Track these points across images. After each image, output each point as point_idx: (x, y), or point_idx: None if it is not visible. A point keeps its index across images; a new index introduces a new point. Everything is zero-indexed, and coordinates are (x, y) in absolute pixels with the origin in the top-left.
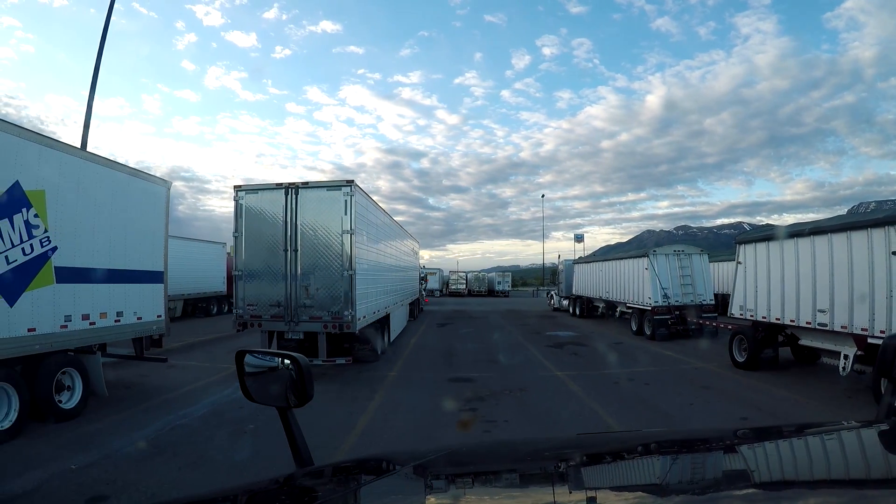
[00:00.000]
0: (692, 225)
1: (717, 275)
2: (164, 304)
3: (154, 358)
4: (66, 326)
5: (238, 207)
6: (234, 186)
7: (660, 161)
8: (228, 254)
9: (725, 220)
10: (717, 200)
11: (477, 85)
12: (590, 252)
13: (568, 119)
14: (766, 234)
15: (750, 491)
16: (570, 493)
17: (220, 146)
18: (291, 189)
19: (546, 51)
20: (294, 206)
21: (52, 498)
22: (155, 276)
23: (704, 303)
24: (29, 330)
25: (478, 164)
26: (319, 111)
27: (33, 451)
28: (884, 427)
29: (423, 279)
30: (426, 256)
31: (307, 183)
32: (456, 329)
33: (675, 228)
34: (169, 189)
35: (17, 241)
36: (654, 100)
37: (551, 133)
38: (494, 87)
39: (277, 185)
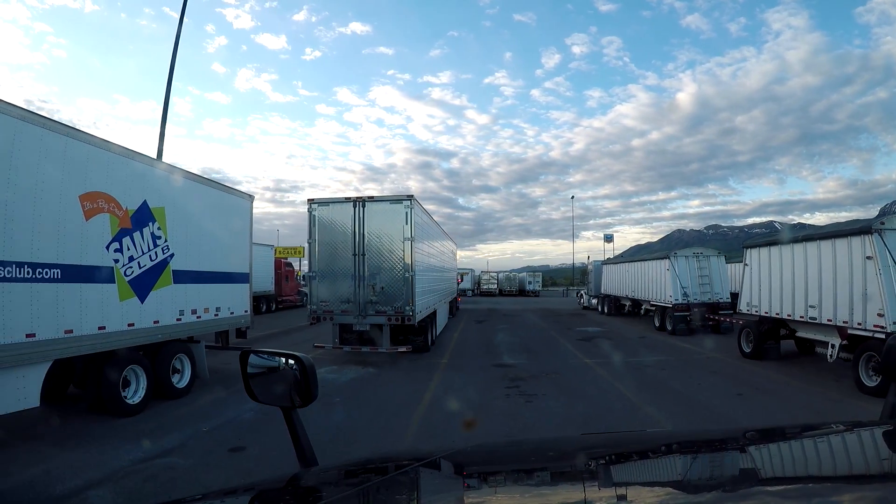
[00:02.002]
0: (723, 224)
1: (740, 274)
2: (250, 301)
3: (238, 347)
4: (180, 319)
5: (311, 218)
6: (308, 200)
7: (690, 159)
8: (289, 262)
9: (757, 220)
10: (749, 199)
11: (507, 84)
12: (619, 252)
13: (598, 118)
14: (768, 240)
15: (757, 490)
16: (575, 492)
17: (251, 147)
18: (359, 202)
19: (576, 49)
20: (361, 216)
21: (199, 449)
22: (242, 277)
23: (721, 301)
24: (154, 322)
25: (508, 164)
26: (349, 112)
27: (164, 420)
28: (888, 427)
29: (459, 279)
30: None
31: (372, 197)
32: (493, 325)
33: (705, 228)
34: (252, 202)
35: (146, 250)
36: (684, 97)
37: (581, 132)
38: (524, 86)
39: (346, 198)
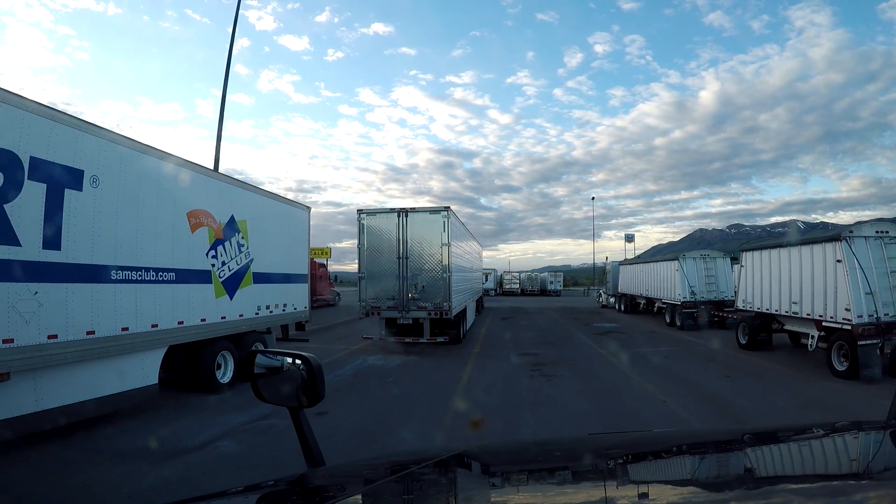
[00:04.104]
0: (745, 223)
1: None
2: (308, 298)
3: (297, 339)
4: (257, 313)
5: (360, 226)
6: (358, 210)
7: (713, 158)
8: (323, 263)
9: (780, 218)
10: (772, 198)
11: (529, 84)
12: (641, 252)
13: (621, 116)
14: (761, 245)
15: (765, 490)
16: (581, 492)
17: (274, 148)
18: (402, 213)
19: (598, 48)
20: (404, 225)
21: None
22: (303, 278)
23: (726, 298)
24: (239, 315)
25: (530, 164)
26: (372, 113)
27: (250, 395)
28: (895, 428)
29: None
30: None
31: (414, 208)
32: (517, 321)
33: (727, 227)
34: (309, 213)
35: (233, 255)
36: (707, 96)
37: (604, 131)
38: (547, 85)
39: (391, 209)
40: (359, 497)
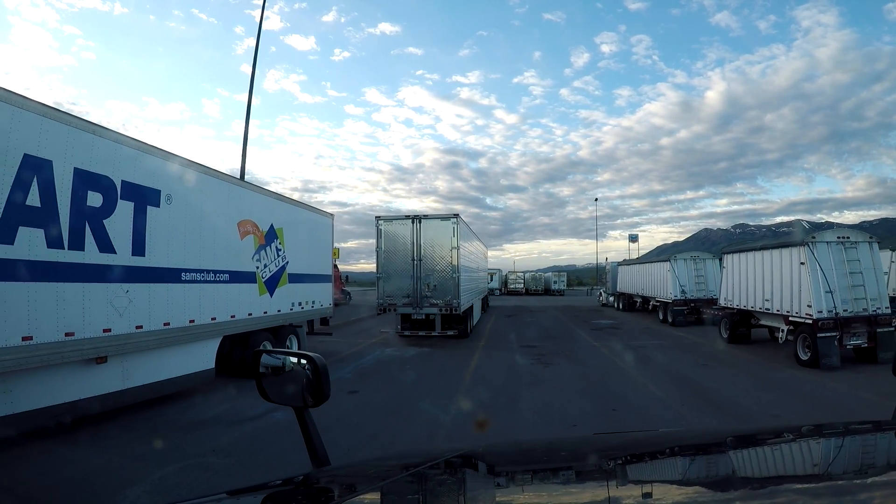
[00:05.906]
0: (750, 223)
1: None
2: (331, 296)
3: (322, 332)
4: (292, 309)
5: (378, 231)
6: (376, 217)
7: (719, 158)
8: (335, 263)
9: (785, 218)
10: (777, 198)
11: (536, 84)
12: (645, 251)
13: (627, 116)
14: (739, 248)
15: (770, 490)
16: (586, 492)
17: (280, 148)
18: (416, 219)
19: (605, 48)
20: (418, 230)
21: None
22: (327, 278)
23: (714, 297)
24: (278, 311)
25: (536, 164)
26: (378, 112)
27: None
28: None
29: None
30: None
31: (427, 215)
32: (520, 319)
33: (733, 227)
34: (332, 219)
35: (273, 258)
36: (713, 96)
37: (610, 131)
38: (553, 85)
39: (406, 216)
40: (364, 497)
